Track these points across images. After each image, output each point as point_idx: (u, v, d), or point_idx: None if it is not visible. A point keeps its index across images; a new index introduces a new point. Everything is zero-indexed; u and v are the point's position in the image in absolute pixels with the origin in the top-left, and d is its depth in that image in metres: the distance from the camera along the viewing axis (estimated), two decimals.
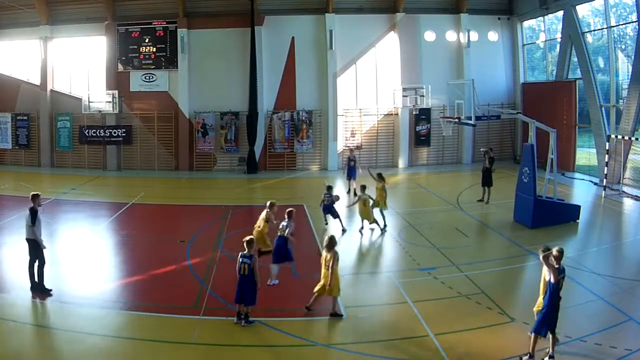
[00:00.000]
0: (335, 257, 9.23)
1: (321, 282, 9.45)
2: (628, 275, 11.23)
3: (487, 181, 18.13)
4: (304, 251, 13.54)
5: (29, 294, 10.28)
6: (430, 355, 8.10)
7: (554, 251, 7.90)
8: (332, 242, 9.34)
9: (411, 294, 10.35)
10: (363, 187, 14.88)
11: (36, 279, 10.39)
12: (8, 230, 15.14)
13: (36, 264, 10.41)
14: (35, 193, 10.70)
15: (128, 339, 8.67)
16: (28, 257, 10.48)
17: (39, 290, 10.35)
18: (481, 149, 19.72)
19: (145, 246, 14.18)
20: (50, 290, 10.40)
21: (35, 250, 10.42)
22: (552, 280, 7.75)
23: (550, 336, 7.78)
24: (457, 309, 9.74)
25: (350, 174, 20.00)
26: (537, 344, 7.74)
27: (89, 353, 8.24)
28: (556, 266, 7.79)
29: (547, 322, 7.70)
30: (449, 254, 12.81)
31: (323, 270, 9.40)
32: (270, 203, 12.06)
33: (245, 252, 9.05)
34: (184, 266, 12.26)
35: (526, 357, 7.80)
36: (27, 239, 10.54)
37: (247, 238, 9.12)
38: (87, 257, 12.72)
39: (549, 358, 7.72)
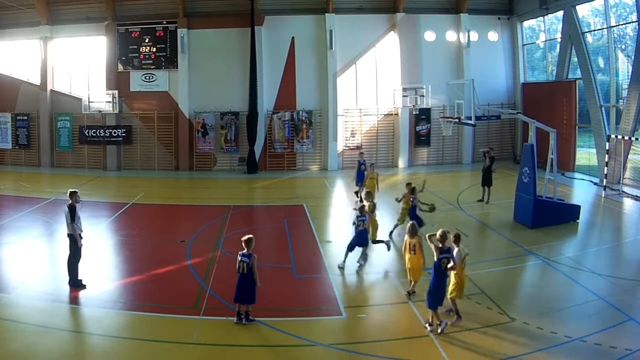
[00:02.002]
0: (420, 242, 9.91)
1: (409, 267, 10.05)
2: (628, 275, 11.21)
3: (487, 181, 18.10)
4: (304, 251, 13.59)
5: (30, 293, 10.27)
6: (430, 355, 8.10)
7: (437, 233, 8.86)
8: (415, 228, 10.00)
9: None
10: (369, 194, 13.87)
11: (69, 274, 10.56)
12: (8, 230, 15.13)
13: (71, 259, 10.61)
14: (73, 190, 11.01)
15: (128, 339, 8.65)
16: (68, 252, 10.70)
17: (76, 285, 10.53)
18: (480, 150, 19.65)
19: (145, 246, 14.17)
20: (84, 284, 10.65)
21: (75, 246, 10.64)
22: (435, 258, 8.74)
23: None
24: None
25: (360, 179, 18.73)
26: (435, 317, 8.71)
27: (89, 353, 8.25)
28: (439, 246, 8.75)
29: (437, 297, 8.68)
30: None
31: (408, 255, 10.01)
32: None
33: (244, 250, 9.04)
34: (184, 266, 12.23)
35: (427, 324, 8.85)
36: (68, 234, 10.77)
37: (246, 237, 9.10)
38: (88, 257, 12.67)
39: (429, 325, 8.77)
